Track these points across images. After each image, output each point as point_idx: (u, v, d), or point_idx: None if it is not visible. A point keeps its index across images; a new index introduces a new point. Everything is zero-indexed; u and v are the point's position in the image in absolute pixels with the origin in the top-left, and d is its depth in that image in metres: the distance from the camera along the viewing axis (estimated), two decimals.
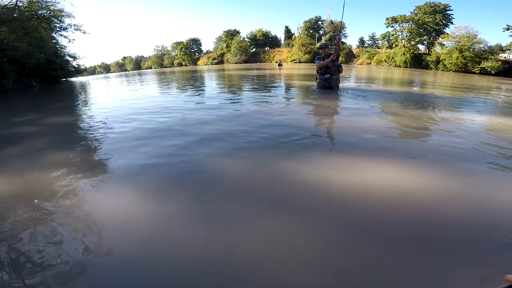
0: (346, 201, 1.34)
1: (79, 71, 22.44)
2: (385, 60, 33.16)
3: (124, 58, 79.89)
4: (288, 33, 50.11)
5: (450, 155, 1.94)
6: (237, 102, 4.56)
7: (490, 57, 26.14)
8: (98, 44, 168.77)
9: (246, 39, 52.08)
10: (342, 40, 44.52)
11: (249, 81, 8.83)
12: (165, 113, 3.68)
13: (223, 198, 1.41)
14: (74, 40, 19.70)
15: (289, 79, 9.81)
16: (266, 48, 52.17)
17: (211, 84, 8.61)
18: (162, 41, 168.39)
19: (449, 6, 31.92)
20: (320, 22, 46.32)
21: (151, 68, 63.92)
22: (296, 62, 38.54)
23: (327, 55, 5.12)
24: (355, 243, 1.04)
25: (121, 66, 78.01)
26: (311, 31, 45.81)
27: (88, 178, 1.72)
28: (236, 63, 45.67)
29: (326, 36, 43.33)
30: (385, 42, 37.40)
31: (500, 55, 27.64)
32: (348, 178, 1.61)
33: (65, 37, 18.71)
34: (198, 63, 56.95)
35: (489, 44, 27.20)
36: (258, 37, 51.77)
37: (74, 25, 17.98)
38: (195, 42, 60.35)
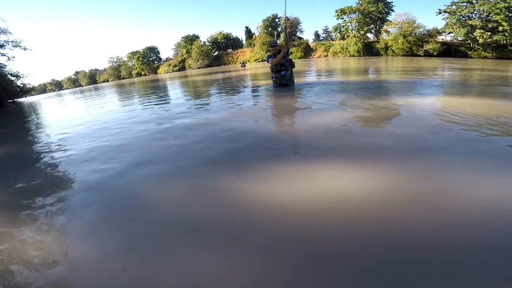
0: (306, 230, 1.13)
1: (25, 91, 20.23)
2: (340, 51, 35.00)
3: (77, 72, 74.30)
4: (249, 33, 50.54)
5: (415, 146, 1.91)
6: (200, 110, 4.41)
7: (430, 40, 29.01)
8: (47, 60, 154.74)
9: (206, 43, 51.59)
10: (299, 35, 46.18)
11: (214, 85, 8.84)
12: (116, 129, 3.53)
13: (156, 231, 1.26)
14: (14, 57, 17.97)
15: (252, 78, 10.09)
16: (229, 50, 52.11)
17: (173, 92, 8.38)
18: (117, 51, 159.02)
19: None
20: (277, 20, 47.34)
21: (108, 81, 60.42)
22: (259, 61, 39.13)
23: (278, 52, 5.27)
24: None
25: (74, 82, 72.53)
26: (270, 29, 46.66)
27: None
28: (198, 68, 45.08)
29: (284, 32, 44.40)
30: (337, 34, 38.86)
31: (438, 37, 30.78)
32: (310, 191, 1.43)
33: (3, 54, 17.28)
34: (158, 72, 55.11)
35: (427, 28, 30.19)
36: (219, 40, 51.53)
37: (12, 41, 16.75)
38: (153, 50, 58.22)
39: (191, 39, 50.84)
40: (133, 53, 58.03)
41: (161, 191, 1.68)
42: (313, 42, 43.40)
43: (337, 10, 36.55)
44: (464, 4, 28.27)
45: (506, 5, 25.35)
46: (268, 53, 5.65)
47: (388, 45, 31.23)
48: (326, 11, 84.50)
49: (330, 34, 42.88)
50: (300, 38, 45.11)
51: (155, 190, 1.70)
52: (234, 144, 2.34)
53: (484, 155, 1.69)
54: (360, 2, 35.25)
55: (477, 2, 27.26)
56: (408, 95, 3.89)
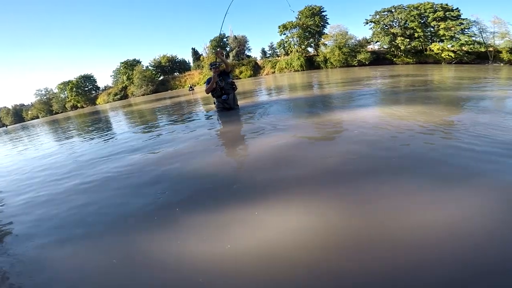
0: None
1: None
2: (286, 67, 36.60)
3: None
4: (196, 55, 49.55)
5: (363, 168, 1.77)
6: (139, 148, 3.41)
7: (362, 50, 32.19)
8: None
9: (150, 67, 49.33)
10: (247, 53, 47.32)
11: (163, 113, 7.92)
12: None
13: None
14: None
15: (201, 103, 9.44)
16: (175, 74, 50.44)
17: (115, 126, 6.95)
18: (45, 83, 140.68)
19: (323, 8, 37.42)
20: (225, 39, 47.92)
21: (38, 117, 53.33)
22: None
23: (221, 73, 4.84)
24: None
25: None
26: (218, 49, 46.82)
27: None
28: (143, 95, 42.54)
29: (233, 51, 45.15)
30: (282, 49, 40.79)
31: (368, 46, 34.34)
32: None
33: None
34: (97, 102, 50.55)
35: (358, 39, 33.54)
36: (163, 64, 49.63)
37: None
38: (88, 79, 53.10)
39: (131, 64, 47.95)
40: (65, 84, 52.26)
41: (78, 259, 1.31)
42: (260, 59, 44.76)
43: (279, 26, 38.51)
44: (385, 13, 32.29)
45: (418, 12, 29.71)
46: (208, 76, 5.11)
47: (327, 57, 33.68)
48: (271, 27, 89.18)
49: (276, 51, 44.82)
50: (248, 57, 46.18)
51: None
52: (171, 191, 1.90)
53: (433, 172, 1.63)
54: (299, 16, 37.50)
55: (395, 11, 31.33)
56: (351, 109, 4.02)
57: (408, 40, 30.28)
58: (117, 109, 16.18)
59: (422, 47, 30.79)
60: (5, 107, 63.80)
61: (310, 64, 35.24)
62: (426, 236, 1.09)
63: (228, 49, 47.59)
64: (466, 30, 27.94)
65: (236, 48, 45.52)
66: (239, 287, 0.98)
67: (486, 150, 1.80)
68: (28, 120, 52.72)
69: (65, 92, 52.68)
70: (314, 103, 5.08)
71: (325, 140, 2.57)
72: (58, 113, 50.76)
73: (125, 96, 47.49)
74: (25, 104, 63.00)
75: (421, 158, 1.82)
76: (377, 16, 32.75)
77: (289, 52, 38.54)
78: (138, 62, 48.85)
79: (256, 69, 40.67)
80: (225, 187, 1.79)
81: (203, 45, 55.30)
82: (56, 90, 54.43)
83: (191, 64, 50.96)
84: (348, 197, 1.45)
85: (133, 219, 1.57)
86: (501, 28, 26.28)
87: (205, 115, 5.43)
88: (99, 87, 54.93)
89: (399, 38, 30.44)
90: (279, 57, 41.39)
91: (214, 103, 5.26)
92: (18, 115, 60.21)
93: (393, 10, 31.69)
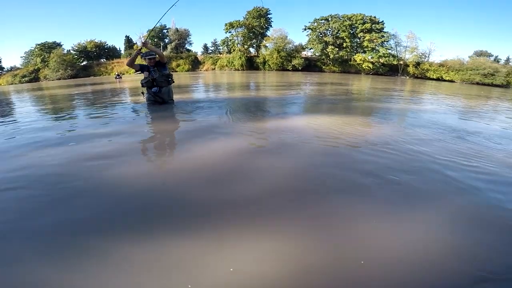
0: None
1: None
2: (226, 65, 36.45)
3: None
4: (129, 43, 45.28)
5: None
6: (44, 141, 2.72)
7: (297, 55, 34.37)
8: None
9: (72, 51, 42.79)
10: (188, 47, 45.29)
11: (80, 101, 6.79)
12: None
13: None
14: None
15: (129, 93, 8.59)
16: (102, 60, 44.83)
17: (14, 112, 5.37)
18: None
19: (269, 10, 38.40)
20: (165, 31, 44.72)
21: None
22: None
23: (155, 65, 4.52)
24: None
25: None
26: (156, 39, 43.47)
27: None
28: (59, 79, 36.56)
29: (172, 44, 42.67)
30: (225, 47, 40.42)
31: (302, 53, 36.86)
32: None
33: None
34: None
35: (295, 44, 35.68)
36: (89, 49, 43.59)
37: None
38: None
39: (49, 47, 40.89)
40: None
41: None
42: (201, 55, 43.48)
43: (226, 24, 37.95)
44: (323, 21, 34.91)
45: (350, 23, 33.03)
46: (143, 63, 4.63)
47: (266, 59, 34.84)
48: (217, 23, 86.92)
49: (218, 48, 44.16)
50: (188, 51, 44.38)
51: None
52: (84, 210, 1.43)
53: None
54: (247, 16, 37.77)
55: (331, 20, 34.11)
56: (286, 115, 4.16)
57: (337, 49, 33.54)
58: (22, 92, 13.41)
59: (348, 57, 34.60)
60: None
61: (250, 64, 35.93)
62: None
63: (166, 40, 44.84)
64: (385, 43, 32.12)
65: (176, 40, 43.26)
66: None
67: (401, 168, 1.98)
68: None
69: None
70: (252, 106, 5.04)
71: (266, 150, 2.42)
72: None
73: (35, 79, 40.01)
74: None
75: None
76: (315, 24, 35.25)
77: (232, 51, 38.46)
78: (59, 45, 41.97)
79: (195, 64, 39.35)
80: (152, 208, 1.43)
81: (139, 33, 50.61)
82: None
83: (123, 52, 46.26)
84: (298, 220, 1.34)
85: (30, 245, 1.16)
86: (412, 43, 31.09)
87: (132, 108, 4.87)
88: (3, 67, 45.01)
89: (330, 47, 33.46)
90: (221, 55, 40.97)
91: (142, 93, 4.87)
92: None
93: (329, 19, 34.29)
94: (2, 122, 4.18)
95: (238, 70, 34.64)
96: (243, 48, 37.66)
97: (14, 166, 2.08)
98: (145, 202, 1.50)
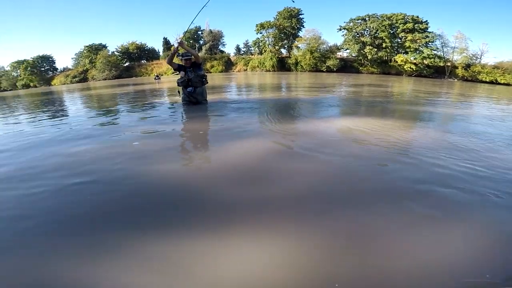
0: None
1: None
2: (258, 66, 36.58)
3: None
4: (167, 45, 47.61)
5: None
6: (83, 138, 2.91)
7: (332, 56, 33.30)
8: None
9: (116, 53, 46.37)
10: (221, 49, 46.48)
11: (123, 101, 7.31)
12: None
13: None
14: None
15: (167, 93, 8.97)
16: (142, 61, 47.97)
17: (66, 110, 5.97)
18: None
19: (301, 10, 37.77)
20: (200, 32, 46.46)
21: None
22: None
23: (192, 66, 4.59)
24: None
25: None
26: (191, 41, 45.40)
27: None
28: (104, 79, 39.79)
29: (207, 45, 44.13)
30: (256, 48, 40.73)
31: (337, 53, 35.67)
32: None
33: None
34: (53, 83, 46.24)
35: (329, 44, 34.64)
36: (131, 50, 46.94)
37: None
38: (46, 59, 48.77)
39: (96, 49, 44.87)
40: (19, 62, 47.42)
41: None
42: (234, 56, 44.27)
43: (257, 25, 38.22)
44: (359, 21, 33.52)
45: (390, 22, 31.29)
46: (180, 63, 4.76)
47: (298, 60, 34.27)
48: (248, 24, 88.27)
49: (250, 49, 44.65)
50: (222, 52, 45.48)
51: None
52: (113, 203, 1.51)
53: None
54: (277, 17, 37.64)
55: (369, 20, 32.62)
56: (319, 117, 3.95)
57: (375, 49, 31.88)
58: (73, 92, 14.75)
59: (387, 57, 32.72)
60: None
61: (282, 65, 35.64)
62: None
63: (201, 42, 46.40)
64: (430, 43, 29.83)
65: (210, 42, 44.60)
66: None
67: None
68: None
69: (18, 71, 47.76)
70: (284, 107, 4.97)
71: (294, 153, 2.30)
72: (6, 90, 45.56)
73: (84, 79, 44.16)
74: None
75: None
76: (351, 24, 33.97)
77: (263, 52, 38.58)
78: (104, 46, 45.98)
79: (228, 65, 40.14)
80: (182, 204, 1.47)
81: (175, 35, 53.32)
82: (8, 68, 49.16)
83: (161, 53, 48.94)
84: (323, 228, 1.24)
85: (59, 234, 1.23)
86: (461, 44, 28.47)
87: (169, 108, 5.09)
88: (57, 69, 50.50)
89: (367, 47, 31.92)
90: (253, 55, 41.28)
91: (179, 92, 5.00)
92: None
93: (366, 19, 32.85)
94: (54, 116, 4.66)
95: (269, 71, 34.56)
96: (274, 49, 37.58)
97: (64, 158, 2.21)
98: (173, 199, 1.54)
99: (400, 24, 30.69)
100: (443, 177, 1.74)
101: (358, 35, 33.51)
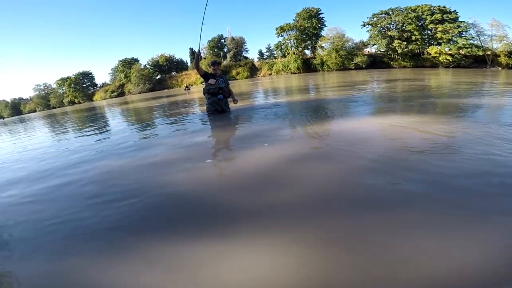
0: None
1: None
2: (282, 69, 36.55)
3: None
4: (193, 55, 49.75)
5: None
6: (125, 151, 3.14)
7: (359, 53, 32.22)
8: None
9: (147, 66, 49.47)
10: (244, 55, 47.23)
11: (158, 113, 7.84)
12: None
13: None
14: None
15: (198, 103, 9.39)
16: (172, 73, 50.59)
17: (107, 125, 6.53)
18: (44, 78, 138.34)
19: (320, 10, 37.43)
20: (223, 40, 47.92)
21: (35, 111, 53.31)
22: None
23: (218, 76, 4.71)
24: None
25: None
26: (215, 49, 46.94)
27: None
28: (140, 93, 42.56)
29: (230, 52, 45.27)
30: (279, 51, 40.72)
31: (365, 50, 34.42)
32: None
33: None
34: (94, 99, 50.60)
35: (355, 41, 33.59)
36: (161, 63, 49.81)
37: None
38: (86, 75, 53.67)
39: (129, 63, 48.32)
40: (63, 80, 52.76)
41: None
42: (257, 61, 44.74)
43: (277, 28, 38.40)
44: (383, 15, 32.23)
45: (416, 14, 29.72)
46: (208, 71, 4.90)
47: (324, 60, 33.67)
48: (269, 28, 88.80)
49: (273, 52, 44.76)
50: (245, 58, 46.25)
51: None
52: (137, 209, 1.63)
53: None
54: (297, 18, 37.49)
55: (393, 13, 31.27)
56: (349, 118, 3.76)
57: (405, 43, 30.34)
58: (113, 106, 16.02)
59: (419, 50, 30.91)
60: (4, 100, 63.74)
61: (307, 66, 35.25)
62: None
63: (225, 50, 47.65)
64: (463, 33, 27.94)
65: (234, 49, 45.67)
66: None
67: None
68: (25, 114, 52.51)
69: (63, 88, 53.13)
70: (310, 110, 4.88)
71: (321, 158, 2.24)
72: (55, 107, 50.70)
73: (122, 94, 47.60)
74: (24, 98, 62.79)
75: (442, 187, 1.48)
76: (375, 19, 32.78)
77: (286, 54, 38.45)
78: (136, 60, 49.28)
79: (253, 71, 40.70)
80: (203, 211, 1.52)
81: (200, 45, 55.54)
82: (54, 86, 55.01)
83: (189, 64, 51.13)
84: (341, 232, 1.19)
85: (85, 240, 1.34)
86: (498, 31, 26.25)
87: (200, 118, 5.22)
88: (97, 84, 55.25)
89: (396, 41, 30.50)
90: (276, 59, 41.34)
91: (206, 100, 4.99)
92: (16, 108, 59.93)
93: (390, 13, 31.63)
94: (97, 132, 5.17)
95: (295, 73, 34.37)
96: (297, 51, 37.26)
97: (102, 170, 2.47)
98: (191, 204, 1.62)
99: (427, 15, 29.23)
100: (496, 174, 1.62)
101: (384, 30, 32.17)
